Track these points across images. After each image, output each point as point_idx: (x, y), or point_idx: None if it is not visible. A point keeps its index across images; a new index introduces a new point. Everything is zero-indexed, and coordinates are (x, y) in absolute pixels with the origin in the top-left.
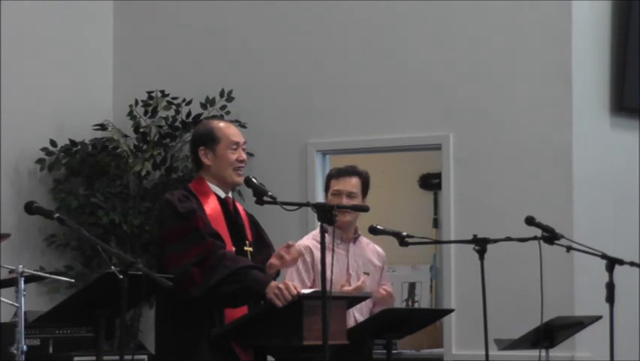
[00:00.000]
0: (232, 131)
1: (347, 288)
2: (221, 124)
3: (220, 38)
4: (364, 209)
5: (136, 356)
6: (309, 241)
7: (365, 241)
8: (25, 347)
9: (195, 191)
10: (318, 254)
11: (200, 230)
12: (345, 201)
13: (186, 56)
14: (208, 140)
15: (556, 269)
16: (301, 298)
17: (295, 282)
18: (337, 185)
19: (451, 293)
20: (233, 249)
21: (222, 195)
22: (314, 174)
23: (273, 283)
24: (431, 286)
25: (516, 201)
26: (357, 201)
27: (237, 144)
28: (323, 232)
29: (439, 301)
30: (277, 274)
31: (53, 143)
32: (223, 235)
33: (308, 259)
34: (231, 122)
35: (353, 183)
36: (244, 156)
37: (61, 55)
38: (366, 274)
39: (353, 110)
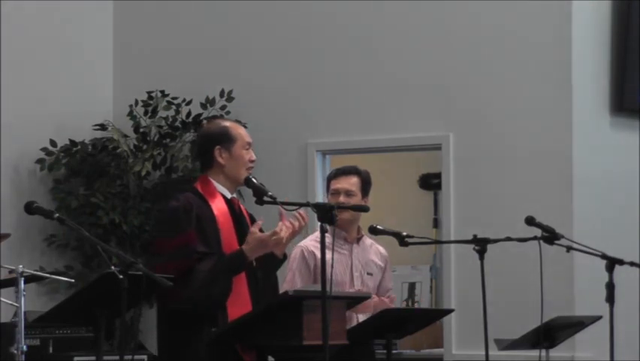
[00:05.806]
0: (244, 132)
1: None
2: (233, 124)
3: (220, 38)
4: (364, 209)
5: (136, 356)
6: (311, 242)
7: (369, 241)
8: (25, 347)
9: (202, 192)
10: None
11: (190, 246)
12: (342, 199)
13: (186, 56)
14: (224, 139)
15: (557, 269)
16: (301, 298)
17: (299, 285)
18: (335, 184)
19: (451, 293)
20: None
21: (229, 195)
22: (314, 174)
23: (246, 246)
24: (431, 286)
25: (516, 202)
26: (355, 200)
27: (249, 144)
28: (323, 231)
29: (439, 301)
30: (284, 257)
31: (53, 143)
32: (230, 235)
33: (311, 263)
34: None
35: (351, 182)
36: (254, 156)
37: (61, 55)
38: (370, 274)
39: (353, 110)
